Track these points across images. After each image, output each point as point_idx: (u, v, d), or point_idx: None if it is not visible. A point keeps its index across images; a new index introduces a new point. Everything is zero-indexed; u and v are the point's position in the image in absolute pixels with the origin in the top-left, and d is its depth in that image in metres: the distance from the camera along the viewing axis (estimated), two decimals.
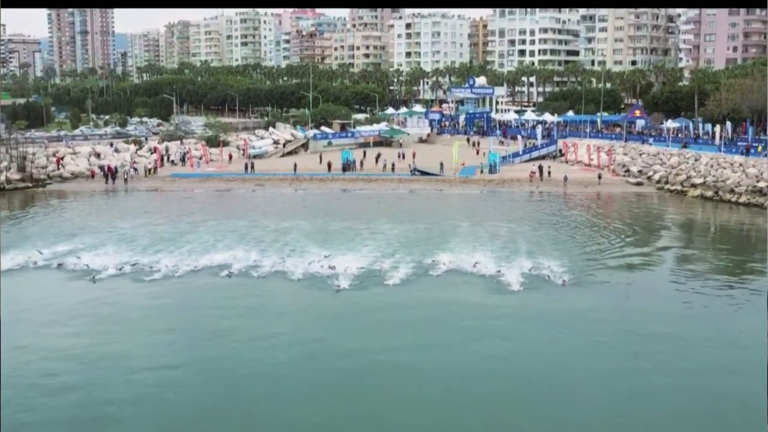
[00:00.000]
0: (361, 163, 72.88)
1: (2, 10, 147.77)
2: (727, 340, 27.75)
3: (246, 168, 70.71)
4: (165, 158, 75.15)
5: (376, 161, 73.88)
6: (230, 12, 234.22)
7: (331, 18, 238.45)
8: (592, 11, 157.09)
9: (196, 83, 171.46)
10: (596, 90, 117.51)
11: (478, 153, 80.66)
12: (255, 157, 78.24)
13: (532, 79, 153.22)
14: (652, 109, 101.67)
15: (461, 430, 20.98)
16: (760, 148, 64.52)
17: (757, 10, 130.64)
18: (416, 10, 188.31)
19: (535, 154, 78.30)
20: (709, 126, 79.45)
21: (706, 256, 41.91)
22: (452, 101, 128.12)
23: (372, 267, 35.92)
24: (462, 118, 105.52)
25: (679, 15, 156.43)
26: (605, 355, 26.25)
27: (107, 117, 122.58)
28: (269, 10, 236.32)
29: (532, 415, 21.97)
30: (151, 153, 75.76)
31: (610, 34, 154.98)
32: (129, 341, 27.37)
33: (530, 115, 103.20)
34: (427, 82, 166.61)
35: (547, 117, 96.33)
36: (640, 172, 66.81)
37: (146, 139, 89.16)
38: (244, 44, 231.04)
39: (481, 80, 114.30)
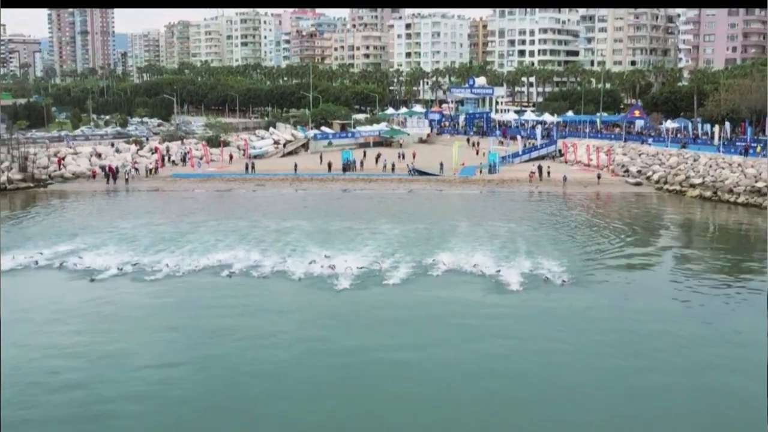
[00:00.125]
0: (362, 164, 73.08)
1: (2, 10, 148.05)
2: (725, 339, 27.96)
3: (247, 168, 70.92)
4: (166, 158, 75.35)
5: (376, 161, 74.08)
6: (230, 12, 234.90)
7: (331, 18, 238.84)
8: (591, 11, 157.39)
9: (196, 83, 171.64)
10: (596, 90, 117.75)
11: (477, 153, 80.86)
12: (255, 157, 78.46)
13: (532, 79, 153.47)
14: (651, 109, 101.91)
15: (461, 430, 21.11)
16: (759, 149, 64.75)
17: (756, 11, 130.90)
18: (416, 11, 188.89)
19: (534, 154, 78.49)
20: (708, 126, 79.67)
21: (704, 256, 42.08)
22: (452, 101, 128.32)
23: (372, 267, 36.11)
24: (462, 118, 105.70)
25: (679, 15, 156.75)
26: (605, 353, 26.40)
27: (108, 117, 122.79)
28: (269, 11, 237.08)
29: (531, 414, 22.13)
30: (152, 153, 75.97)
31: (610, 34, 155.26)
32: (130, 339, 27.57)
33: (530, 116, 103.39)
34: (427, 83, 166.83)
35: (547, 117, 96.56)
36: (639, 172, 67.02)
37: (147, 139, 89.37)
38: (245, 44, 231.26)
39: (481, 80, 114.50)
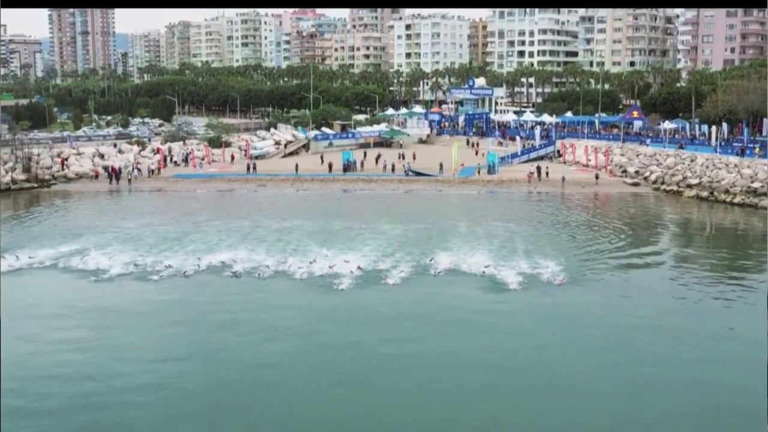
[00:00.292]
0: (362, 164, 73.62)
1: (2, 10, 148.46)
2: (720, 334, 28.63)
3: (248, 169, 71.52)
4: (168, 159, 75.90)
5: (377, 162, 74.65)
6: (231, 13, 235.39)
7: (331, 19, 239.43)
8: (590, 12, 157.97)
9: (197, 84, 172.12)
10: (594, 91, 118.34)
11: (477, 154, 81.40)
12: (257, 157, 79.00)
13: (531, 80, 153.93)
14: (649, 110, 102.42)
15: (462, 425, 21.54)
16: (757, 149, 65.34)
17: (755, 12, 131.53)
18: (416, 11, 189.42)
19: (533, 154, 79.04)
20: (705, 127, 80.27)
21: (701, 255, 42.69)
22: (452, 102, 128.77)
23: (372, 266, 36.61)
24: (461, 118, 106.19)
25: (678, 16, 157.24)
26: (604, 353, 26.88)
27: (109, 118, 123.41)
28: (270, 11, 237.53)
29: (530, 405, 22.66)
30: (155, 154, 76.54)
31: (609, 35, 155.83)
32: (136, 335, 28.26)
33: (529, 116, 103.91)
34: (427, 83, 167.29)
35: (546, 118, 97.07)
36: (636, 172, 67.60)
37: (149, 139, 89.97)
38: (245, 45, 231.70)
39: (481, 81, 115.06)
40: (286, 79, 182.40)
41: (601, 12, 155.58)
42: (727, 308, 31.98)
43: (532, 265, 36.76)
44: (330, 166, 71.08)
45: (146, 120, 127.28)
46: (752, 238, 47.10)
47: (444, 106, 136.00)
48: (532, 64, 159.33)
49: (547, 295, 32.88)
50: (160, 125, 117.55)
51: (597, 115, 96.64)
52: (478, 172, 69.59)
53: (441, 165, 69.87)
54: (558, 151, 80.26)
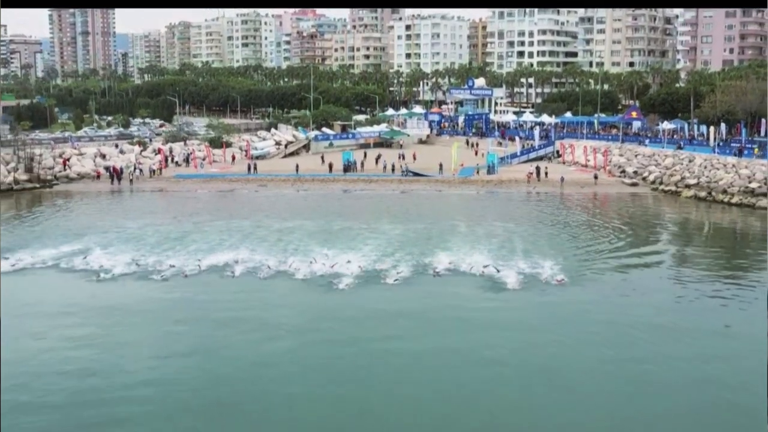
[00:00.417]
0: (362, 164, 73.90)
1: (2, 10, 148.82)
2: (718, 332, 28.92)
3: (249, 169, 71.83)
4: (169, 159, 76.19)
5: (377, 162, 74.94)
6: (231, 13, 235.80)
7: (331, 19, 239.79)
8: (590, 13, 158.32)
9: (197, 84, 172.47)
10: (594, 91, 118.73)
11: (476, 154, 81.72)
12: (257, 158, 79.30)
13: (531, 80, 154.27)
14: (648, 110, 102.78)
15: (461, 427, 21.67)
16: (756, 150, 65.65)
17: (754, 12, 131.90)
18: (416, 12, 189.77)
19: (532, 155, 79.34)
20: (704, 128, 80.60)
21: (699, 255, 42.98)
22: (451, 102, 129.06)
23: (373, 266, 36.81)
24: (461, 119, 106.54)
25: (677, 16, 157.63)
26: (603, 351, 27.09)
27: (110, 118, 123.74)
28: (270, 11, 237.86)
29: (529, 402, 22.92)
30: (156, 154, 76.86)
31: (608, 35, 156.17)
32: (138, 332, 28.59)
33: (528, 117, 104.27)
34: (427, 84, 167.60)
35: (545, 118, 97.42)
36: (635, 173, 67.92)
37: (150, 140, 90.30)
38: (245, 45, 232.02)
39: (480, 81, 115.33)
40: (286, 79, 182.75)
41: (601, 12, 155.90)
42: (725, 306, 32.26)
43: (532, 265, 36.99)
44: (330, 166, 71.38)
45: (147, 120, 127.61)
46: (750, 237, 47.49)
47: (444, 106, 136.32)
48: (532, 65, 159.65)
49: (546, 294, 33.13)
50: (161, 126, 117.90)
51: (596, 115, 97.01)
52: (478, 173, 69.91)
53: (441, 165, 70.19)
54: (557, 152, 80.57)
